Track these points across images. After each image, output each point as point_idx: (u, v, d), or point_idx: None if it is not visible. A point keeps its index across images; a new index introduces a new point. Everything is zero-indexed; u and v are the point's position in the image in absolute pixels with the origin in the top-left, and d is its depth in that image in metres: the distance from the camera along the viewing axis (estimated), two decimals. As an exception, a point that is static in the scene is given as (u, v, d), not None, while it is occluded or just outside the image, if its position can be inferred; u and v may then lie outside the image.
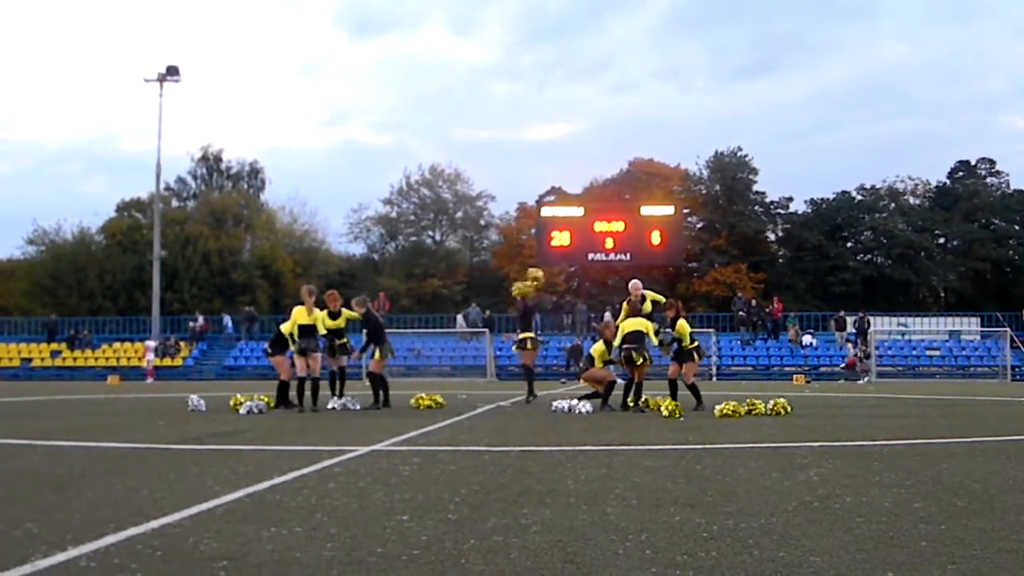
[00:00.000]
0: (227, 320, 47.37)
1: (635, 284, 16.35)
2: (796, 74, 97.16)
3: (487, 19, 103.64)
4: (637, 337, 15.09)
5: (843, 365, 38.07)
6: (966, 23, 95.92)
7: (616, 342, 15.49)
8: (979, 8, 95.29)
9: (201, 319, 46.16)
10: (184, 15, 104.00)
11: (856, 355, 37.79)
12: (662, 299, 16.64)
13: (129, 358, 43.10)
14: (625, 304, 15.90)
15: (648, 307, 16.00)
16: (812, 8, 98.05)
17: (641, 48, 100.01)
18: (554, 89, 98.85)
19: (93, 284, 56.58)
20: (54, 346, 44.51)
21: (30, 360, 43.68)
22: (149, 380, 37.91)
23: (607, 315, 17.41)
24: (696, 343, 15.56)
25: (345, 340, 16.41)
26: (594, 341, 17.58)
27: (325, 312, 15.99)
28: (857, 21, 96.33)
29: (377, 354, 16.29)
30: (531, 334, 17.76)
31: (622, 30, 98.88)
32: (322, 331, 15.88)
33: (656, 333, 15.29)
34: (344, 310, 16.29)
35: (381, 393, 16.05)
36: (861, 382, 34.01)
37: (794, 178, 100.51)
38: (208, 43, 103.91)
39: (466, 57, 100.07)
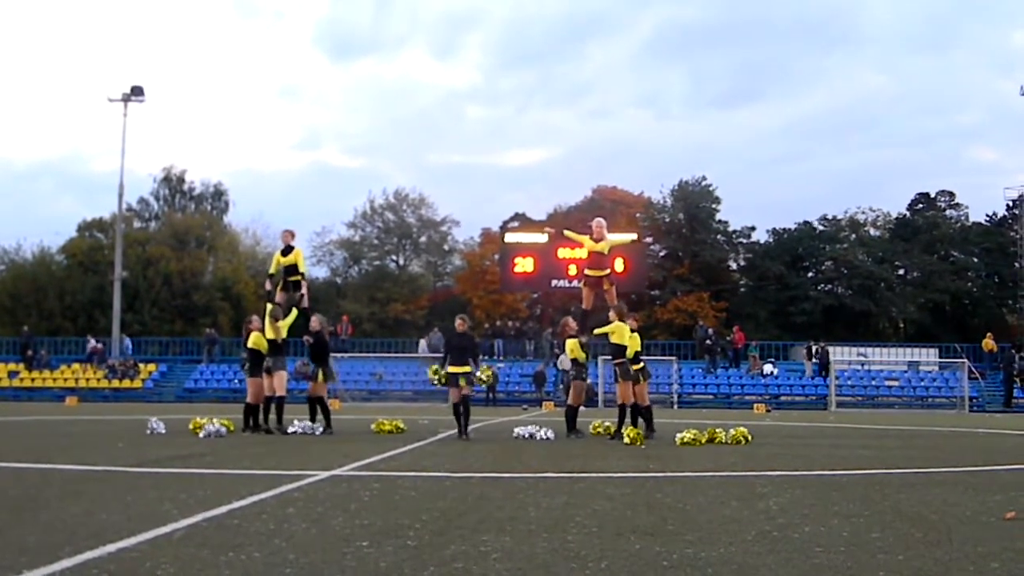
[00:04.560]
0: (127, 342, 46.35)
1: (599, 222, 15.58)
2: (774, 103, 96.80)
3: (470, 43, 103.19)
4: (577, 363, 15.80)
5: None
6: (944, 53, 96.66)
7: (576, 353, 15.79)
8: (958, 38, 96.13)
9: (93, 341, 45.24)
10: (162, 35, 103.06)
11: None
12: (629, 239, 16.71)
13: (88, 379, 42.57)
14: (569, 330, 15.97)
15: (605, 247, 15.40)
16: (797, 36, 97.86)
17: (622, 75, 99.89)
18: (532, 114, 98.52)
19: (52, 304, 55.93)
20: (11, 366, 43.82)
21: (-14, 381, 42.89)
22: None
23: (568, 318, 17.02)
24: (642, 364, 15.38)
25: (299, 277, 16.29)
26: (556, 368, 17.69)
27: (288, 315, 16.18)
28: (841, 49, 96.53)
29: (320, 376, 16.14)
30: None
31: (604, 56, 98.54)
32: (272, 270, 16.49)
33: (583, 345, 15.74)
34: (295, 248, 16.36)
35: (322, 416, 15.88)
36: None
37: (758, 207, 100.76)
38: (187, 64, 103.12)
39: (445, 81, 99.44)
